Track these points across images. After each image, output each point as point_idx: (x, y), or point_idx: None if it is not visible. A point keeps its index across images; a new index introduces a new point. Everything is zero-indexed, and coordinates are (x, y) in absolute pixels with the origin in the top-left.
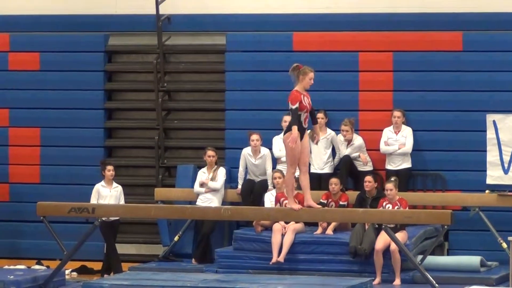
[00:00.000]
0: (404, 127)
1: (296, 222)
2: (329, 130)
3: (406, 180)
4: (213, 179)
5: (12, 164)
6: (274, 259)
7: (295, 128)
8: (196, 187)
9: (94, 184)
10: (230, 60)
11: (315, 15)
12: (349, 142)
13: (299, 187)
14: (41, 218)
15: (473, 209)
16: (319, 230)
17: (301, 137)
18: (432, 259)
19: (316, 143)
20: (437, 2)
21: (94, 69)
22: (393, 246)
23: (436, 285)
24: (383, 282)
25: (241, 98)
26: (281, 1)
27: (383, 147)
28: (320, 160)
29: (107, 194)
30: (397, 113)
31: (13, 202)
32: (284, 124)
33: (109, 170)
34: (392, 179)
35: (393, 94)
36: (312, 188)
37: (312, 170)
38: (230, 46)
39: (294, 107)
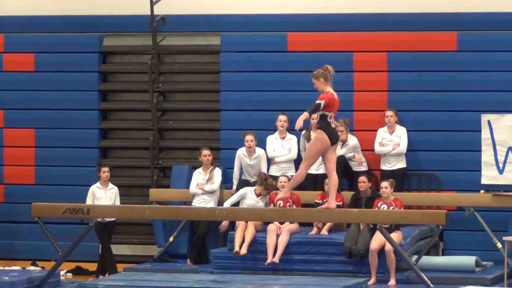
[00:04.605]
0: (398, 127)
1: (291, 223)
2: None
3: (401, 180)
4: (209, 180)
5: (6, 165)
6: (269, 260)
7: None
8: (192, 188)
9: (89, 185)
10: (224, 61)
11: (309, 15)
12: (343, 142)
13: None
14: (36, 219)
15: (468, 209)
16: (314, 231)
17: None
18: (427, 259)
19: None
20: (431, 2)
21: (89, 70)
22: (388, 246)
23: (431, 285)
24: (378, 282)
25: (235, 99)
26: (275, 2)
27: (377, 148)
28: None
29: (102, 195)
30: (389, 113)
31: (8, 203)
32: (279, 124)
33: (104, 172)
34: (390, 179)
35: (387, 94)
36: (307, 188)
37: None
38: (225, 47)
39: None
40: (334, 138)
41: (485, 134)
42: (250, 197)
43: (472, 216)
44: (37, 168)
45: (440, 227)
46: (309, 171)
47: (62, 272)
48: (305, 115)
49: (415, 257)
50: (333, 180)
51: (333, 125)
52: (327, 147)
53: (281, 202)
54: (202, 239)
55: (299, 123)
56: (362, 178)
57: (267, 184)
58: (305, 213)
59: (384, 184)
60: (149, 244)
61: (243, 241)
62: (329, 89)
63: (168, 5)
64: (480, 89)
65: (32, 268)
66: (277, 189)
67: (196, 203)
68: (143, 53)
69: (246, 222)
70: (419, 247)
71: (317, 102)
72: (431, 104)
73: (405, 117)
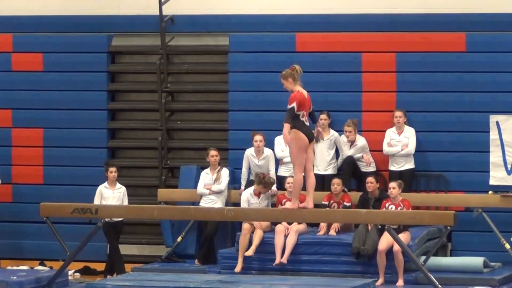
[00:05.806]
0: (406, 127)
1: (299, 223)
2: (332, 131)
3: (409, 180)
4: (216, 180)
5: (15, 164)
6: (277, 260)
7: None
8: (200, 188)
9: (97, 185)
10: (233, 61)
11: (317, 15)
12: (352, 143)
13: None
14: (44, 218)
15: (476, 210)
16: (322, 231)
17: (309, 139)
18: (435, 260)
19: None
20: (440, 3)
21: (97, 70)
22: (396, 247)
23: (439, 286)
24: (386, 283)
25: (244, 99)
26: (284, 2)
27: (386, 149)
28: (323, 161)
29: (110, 195)
30: (398, 113)
31: (16, 203)
32: None
33: (112, 172)
34: (398, 180)
35: (396, 95)
36: (315, 189)
37: (315, 171)
38: (233, 47)
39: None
40: (309, 136)
41: (493, 135)
42: (252, 201)
43: (480, 217)
44: (45, 168)
45: (448, 228)
46: (317, 172)
47: (70, 272)
48: (286, 127)
49: (423, 257)
50: (311, 179)
51: (307, 123)
52: (307, 144)
53: (289, 203)
54: (210, 239)
55: (286, 138)
56: (370, 179)
57: (265, 182)
58: (313, 213)
59: (392, 184)
60: (157, 244)
61: (250, 245)
62: (298, 88)
63: (177, 5)
64: (488, 90)
65: (40, 268)
66: (277, 184)
67: (204, 203)
68: (152, 53)
69: (253, 227)
70: (427, 247)
71: (289, 107)
72: (440, 104)
73: (413, 117)
